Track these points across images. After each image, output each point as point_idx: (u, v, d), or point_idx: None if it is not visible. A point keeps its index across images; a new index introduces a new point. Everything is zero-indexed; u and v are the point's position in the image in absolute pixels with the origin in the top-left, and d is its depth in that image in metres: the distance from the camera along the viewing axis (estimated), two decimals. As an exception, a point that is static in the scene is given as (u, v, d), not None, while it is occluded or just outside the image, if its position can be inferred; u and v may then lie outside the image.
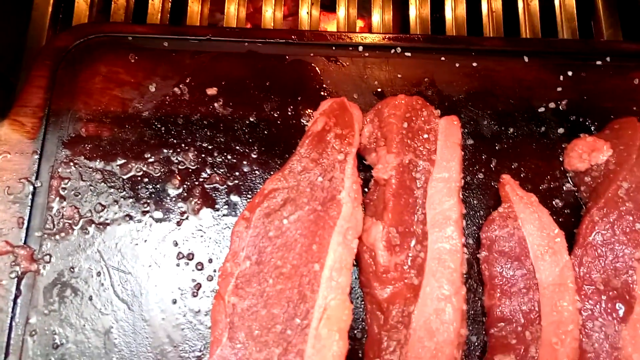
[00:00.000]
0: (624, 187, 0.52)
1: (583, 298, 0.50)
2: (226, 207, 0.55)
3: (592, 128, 0.59)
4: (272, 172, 0.56)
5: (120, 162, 0.56)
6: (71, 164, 0.56)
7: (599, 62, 0.63)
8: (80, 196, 0.55)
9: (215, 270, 0.53)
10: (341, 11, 0.76)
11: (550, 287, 0.49)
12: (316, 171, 0.52)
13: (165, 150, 0.57)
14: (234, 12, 0.72)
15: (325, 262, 0.48)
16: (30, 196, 0.54)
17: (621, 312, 0.49)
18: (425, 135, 0.54)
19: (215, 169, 0.57)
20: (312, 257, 0.48)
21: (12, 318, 0.51)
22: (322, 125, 0.53)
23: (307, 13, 0.75)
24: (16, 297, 0.51)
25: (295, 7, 0.79)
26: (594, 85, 0.61)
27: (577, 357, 0.47)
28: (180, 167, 0.56)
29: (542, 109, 0.60)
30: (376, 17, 0.77)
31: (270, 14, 0.73)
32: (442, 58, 0.62)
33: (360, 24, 0.83)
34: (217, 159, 0.57)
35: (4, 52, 0.62)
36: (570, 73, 0.62)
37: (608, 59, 0.63)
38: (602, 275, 0.50)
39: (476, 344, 0.51)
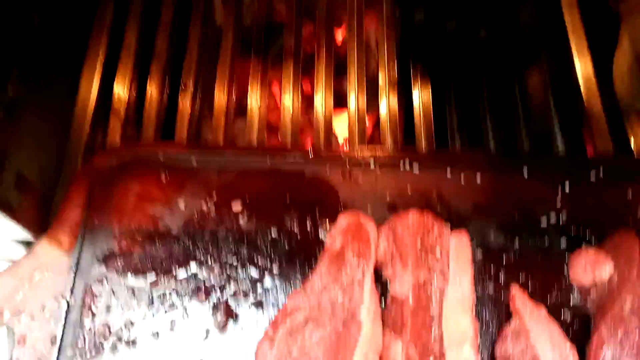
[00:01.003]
0: (628, 303, 0.55)
1: (598, 417, 0.51)
2: (250, 322, 0.58)
3: (593, 240, 0.63)
4: (293, 286, 0.59)
5: (150, 279, 0.60)
6: (104, 280, 0.59)
7: (593, 177, 0.68)
8: (111, 313, 0.58)
9: (240, 388, 0.55)
10: (352, 104, 0.83)
11: (566, 406, 0.51)
12: (336, 290, 0.55)
13: (192, 266, 0.60)
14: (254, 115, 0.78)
15: (348, 383, 0.50)
16: (64, 313, 0.57)
17: None
18: (438, 252, 0.58)
19: (239, 284, 0.60)
20: (335, 378, 0.51)
21: None
22: (341, 244, 0.57)
23: (322, 106, 0.81)
24: (46, 417, 0.53)
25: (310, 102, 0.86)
26: (591, 198, 0.66)
27: None
28: (206, 283, 0.60)
29: (544, 223, 0.64)
30: (383, 109, 0.83)
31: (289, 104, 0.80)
32: (448, 173, 0.68)
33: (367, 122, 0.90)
34: (241, 275, 0.60)
35: (44, 174, 0.67)
36: (567, 187, 0.67)
37: (601, 173, 0.68)
38: (614, 394, 0.52)
39: None
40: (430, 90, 0.82)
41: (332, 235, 0.59)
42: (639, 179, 0.67)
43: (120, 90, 0.78)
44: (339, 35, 1.39)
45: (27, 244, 0.63)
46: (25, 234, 0.61)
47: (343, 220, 0.61)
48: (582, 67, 0.84)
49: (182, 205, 0.64)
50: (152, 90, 0.79)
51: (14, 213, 0.57)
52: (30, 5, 0.67)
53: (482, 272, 0.61)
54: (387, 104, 0.83)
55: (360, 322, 0.53)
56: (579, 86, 0.82)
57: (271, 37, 0.91)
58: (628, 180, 0.67)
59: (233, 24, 0.86)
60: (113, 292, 0.59)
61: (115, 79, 0.77)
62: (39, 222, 0.63)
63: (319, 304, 0.55)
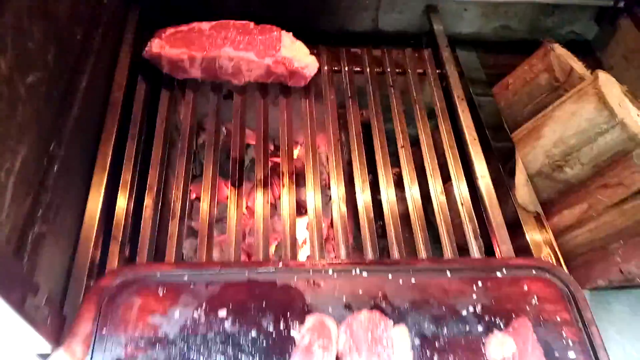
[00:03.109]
0: (527, 373, 0.73)
1: None
2: (237, 410, 0.71)
3: (501, 324, 0.82)
4: (272, 378, 0.73)
5: (152, 378, 0.72)
6: (112, 383, 0.71)
7: (498, 274, 0.88)
8: (119, 411, 0.69)
9: None
10: (310, 210, 1.02)
11: None
12: (308, 377, 0.70)
13: (187, 365, 0.74)
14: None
15: None
16: (78, 414, 0.68)
17: None
18: (384, 342, 0.74)
19: (227, 379, 0.73)
20: None
21: None
22: (309, 340, 0.73)
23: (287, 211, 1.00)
24: None
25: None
26: (497, 291, 0.86)
27: None
28: (199, 378, 0.73)
29: (464, 312, 0.83)
30: (336, 218, 1.02)
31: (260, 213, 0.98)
32: (390, 276, 0.86)
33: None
34: (229, 370, 0.74)
35: (56, 293, 0.80)
36: (480, 283, 0.86)
37: (505, 271, 0.89)
38: None
39: None
40: (372, 209, 1.03)
41: (301, 333, 0.75)
42: (530, 275, 0.89)
43: (119, 219, 0.94)
44: (297, 152, 1.64)
45: (44, 357, 0.74)
46: (47, 348, 0.73)
47: (309, 321, 0.77)
48: (484, 185, 1.09)
49: (177, 314, 0.78)
50: (145, 217, 0.96)
51: (43, 328, 0.69)
52: (51, 157, 0.84)
53: (420, 353, 0.78)
54: (339, 213, 1.02)
55: (327, 402, 0.68)
56: (484, 202, 1.07)
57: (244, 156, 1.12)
58: (524, 276, 0.89)
59: (213, 151, 1.06)
60: (121, 392, 0.70)
61: (115, 213, 0.94)
62: (56, 335, 0.74)
63: (294, 389, 0.69)
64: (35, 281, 0.69)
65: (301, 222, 1.44)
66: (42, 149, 0.81)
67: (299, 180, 1.45)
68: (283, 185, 1.07)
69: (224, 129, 1.53)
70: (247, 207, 1.48)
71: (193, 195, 1.44)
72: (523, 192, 1.19)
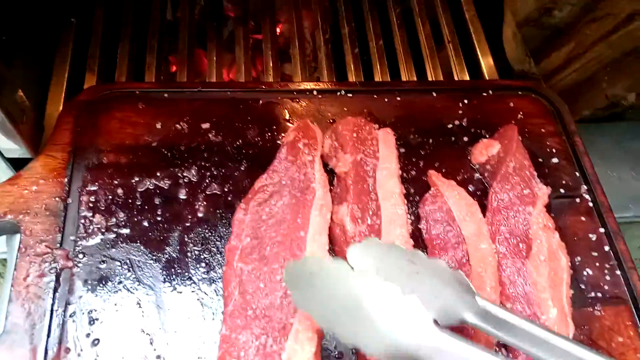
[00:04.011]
0: (511, 166, 0.73)
1: (497, 245, 0.68)
2: (225, 206, 0.71)
3: (487, 135, 0.82)
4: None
5: (136, 179, 0.71)
6: (96, 183, 0.70)
7: (484, 93, 0.87)
8: (104, 207, 0.68)
9: (221, 252, 0.67)
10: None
11: (472, 237, 0.67)
12: (293, 169, 0.70)
13: (172, 169, 0.73)
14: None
15: (308, 230, 0.64)
16: (63, 210, 0.67)
17: (524, 252, 0.68)
18: (369, 140, 0.74)
19: (213, 180, 0.73)
20: (298, 227, 0.64)
21: (52, 305, 0.61)
22: (294, 136, 0.72)
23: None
24: (56, 288, 0.62)
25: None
26: (484, 108, 0.85)
27: (497, 279, 0.64)
28: (185, 180, 0.72)
29: (450, 126, 0.82)
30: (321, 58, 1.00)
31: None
32: (375, 96, 0.85)
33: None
34: (215, 173, 0.73)
35: (36, 103, 0.78)
36: (466, 101, 0.86)
37: (490, 91, 0.88)
38: (507, 227, 0.69)
39: (426, 288, 0.67)
40: (356, 41, 1.00)
41: (287, 133, 0.74)
42: (517, 95, 0.88)
43: (94, 46, 0.90)
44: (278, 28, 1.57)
45: (18, 162, 0.72)
46: (23, 151, 0.71)
47: (294, 124, 0.76)
48: (472, 24, 1.06)
49: (159, 125, 0.76)
50: (122, 50, 0.92)
51: (19, 129, 0.67)
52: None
53: (406, 161, 0.78)
54: (324, 54, 0.99)
55: (313, 189, 0.68)
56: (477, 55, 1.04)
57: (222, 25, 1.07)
58: (509, 95, 0.88)
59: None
60: (104, 191, 0.70)
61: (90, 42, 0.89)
62: (34, 143, 0.72)
63: (280, 181, 0.69)
64: (9, 77, 0.66)
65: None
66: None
67: (282, 54, 1.39)
68: (266, 57, 1.02)
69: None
70: (229, 81, 1.43)
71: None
72: (511, 46, 1.17)
